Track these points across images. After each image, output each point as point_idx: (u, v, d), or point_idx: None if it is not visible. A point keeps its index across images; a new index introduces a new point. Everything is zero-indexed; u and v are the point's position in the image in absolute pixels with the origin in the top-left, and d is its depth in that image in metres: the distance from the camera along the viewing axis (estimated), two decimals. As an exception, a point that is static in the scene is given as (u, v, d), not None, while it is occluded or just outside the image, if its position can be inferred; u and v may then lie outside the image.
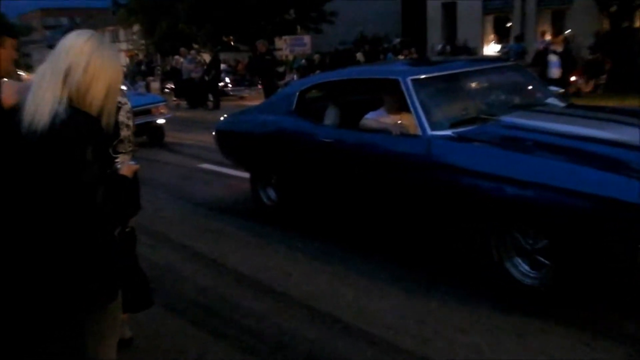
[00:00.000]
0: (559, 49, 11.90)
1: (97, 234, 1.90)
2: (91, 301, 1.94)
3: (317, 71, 17.98)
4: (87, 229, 1.86)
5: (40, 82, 1.85)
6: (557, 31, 19.02)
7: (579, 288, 3.43)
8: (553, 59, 11.79)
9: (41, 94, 1.82)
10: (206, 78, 17.00)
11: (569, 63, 12.03)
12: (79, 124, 1.82)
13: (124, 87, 3.82)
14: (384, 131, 4.49)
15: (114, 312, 2.19)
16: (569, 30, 16.65)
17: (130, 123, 3.02)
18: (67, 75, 1.85)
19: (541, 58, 12.42)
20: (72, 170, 1.79)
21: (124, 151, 2.75)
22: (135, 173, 2.17)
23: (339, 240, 4.84)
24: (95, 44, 1.91)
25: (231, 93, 19.86)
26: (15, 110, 1.82)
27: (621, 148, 3.45)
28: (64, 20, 57.49)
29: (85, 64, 1.86)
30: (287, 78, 19.87)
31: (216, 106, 16.80)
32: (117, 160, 2.51)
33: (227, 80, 20.27)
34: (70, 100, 1.84)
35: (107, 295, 2.00)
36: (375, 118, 4.80)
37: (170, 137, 11.10)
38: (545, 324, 3.29)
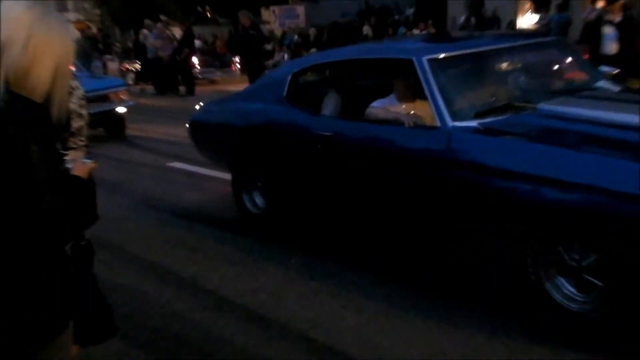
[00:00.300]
0: (617, 18, 11.71)
1: (44, 250, 1.88)
2: (36, 335, 1.92)
3: (313, 49, 18.00)
4: (31, 244, 1.84)
5: None
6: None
7: (638, 315, 3.41)
8: (608, 31, 11.60)
9: None
10: (177, 58, 17.00)
11: (628, 35, 11.79)
12: (20, 113, 1.78)
13: (72, 68, 3.81)
14: (394, 122, 4.48)
15: (63, 347, 2.16)
16: None
17: (83, 112, 3.01)
18: (1, 53, 1.80)
19: (593, 31, 12.30)
20: (12, 172, 1.76)
21: (75, 146, 2.74)
22: (91, 174, 2.15)
23: (340, 256, 4.84)
24: (37, 13, 1.87)
25: (200, 76, 19.79)
26: None
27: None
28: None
29: (25, 38, 1.82)
30: (277, 57, 19.91)
31: (190, 92, 16.82)
32: (67, 157, 2.49)
33: (195, 60, 20.21)
34: (7, 83, 1.80)
35: (56, 325, 1.98)
36: (384, 107, 4.81)
37: (132, 129, 11.11)
38: (595, 359, 3.28)
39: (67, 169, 2.12)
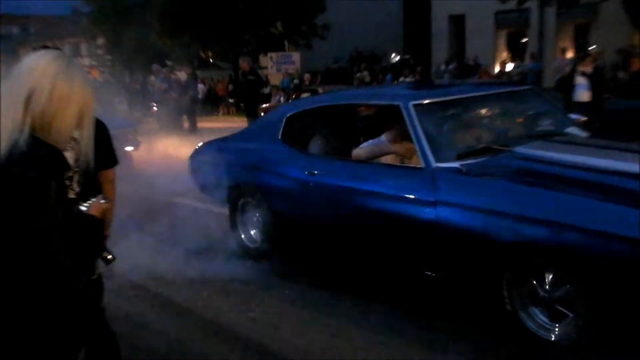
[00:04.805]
0: (588, 69, 11.86)
1: (49, 292, 1.87)
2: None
3: (304, 94, 17.96)
4: (36, 288, 1.82)
5: None
6: (579, 47, 19.39)
7: (608, 342, 3.44)
8: (581, 81, 11.79)
9: None
10: (190, 96, 17.03)
11: (600, 84, 12.00)
12: (42, 158, 1.80)
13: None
14: (381, 159, 4.55)
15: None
16: (594, 47, 16.93)
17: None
18: (29, 100, 1.83)
19: (567, 82, 12.54)
20: (28, 215, 1.75)
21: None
22: (104, 213, 2.16)
23: (332, 287, 4.84)
24: (62, 65, 1.91)
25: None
26: None
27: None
28: (15, 29, 56.56)
29: (50, 87, 1.85)
30: (273, 101, 19.98)
31: (192, 129, 16.89)
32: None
33: None
34: (32, 129, 1.82)
35: (66, 356, 1.99)
36: (372, 147, 4.88)
37: (140, 166, 11.08)
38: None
39: (81, 211, 2.13)
